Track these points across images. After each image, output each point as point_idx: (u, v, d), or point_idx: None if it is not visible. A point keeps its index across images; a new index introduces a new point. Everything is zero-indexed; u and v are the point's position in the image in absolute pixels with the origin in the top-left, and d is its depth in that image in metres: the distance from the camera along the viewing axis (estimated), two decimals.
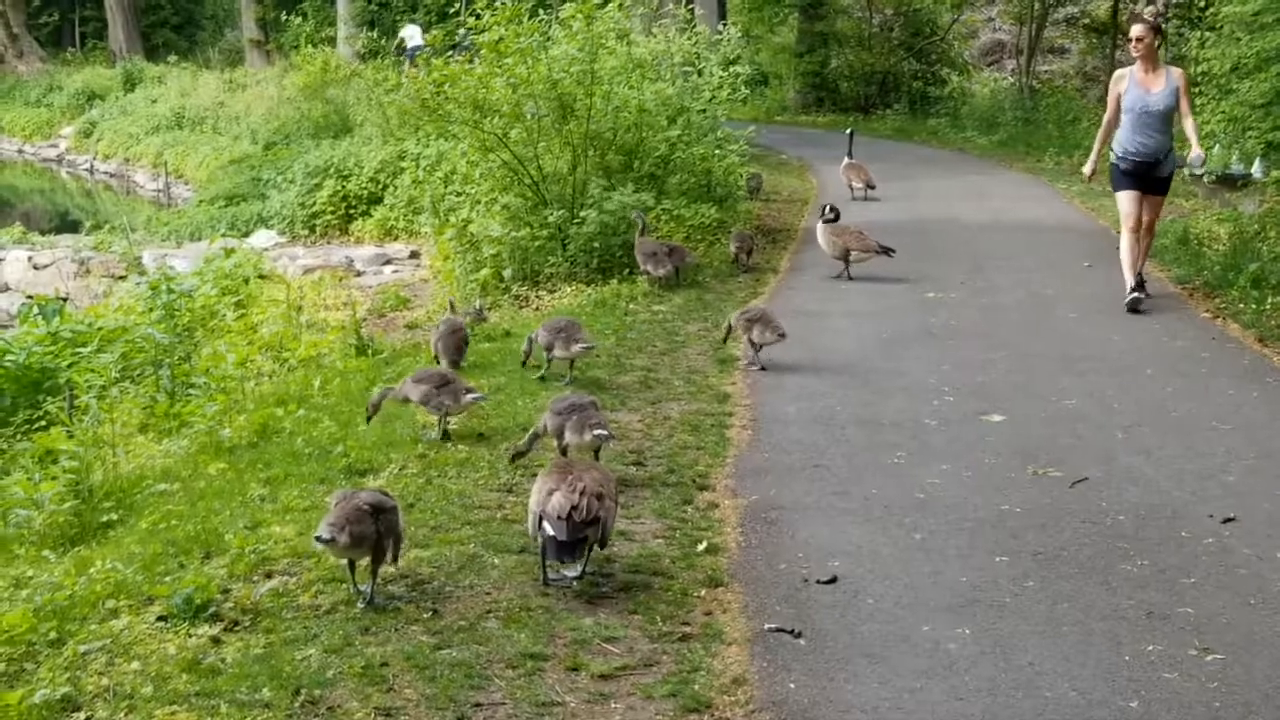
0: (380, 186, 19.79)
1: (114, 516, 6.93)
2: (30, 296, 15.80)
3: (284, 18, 31.17)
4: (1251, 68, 14.79)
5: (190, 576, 5.13)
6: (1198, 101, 15.03)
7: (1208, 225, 13.72)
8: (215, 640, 4.69)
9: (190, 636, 4.72)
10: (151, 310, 12.42)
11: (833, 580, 5.27)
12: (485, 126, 12.93)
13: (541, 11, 14.12)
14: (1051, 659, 4.60)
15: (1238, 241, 12.29)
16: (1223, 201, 15.16)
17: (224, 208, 21.37)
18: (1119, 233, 10.80)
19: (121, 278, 16.96)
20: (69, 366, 10.74)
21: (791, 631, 4.81)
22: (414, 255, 17.90)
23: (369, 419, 7.33)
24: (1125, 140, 10.31)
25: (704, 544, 5.64)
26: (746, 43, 25.30)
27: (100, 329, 11.89)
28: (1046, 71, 30.87)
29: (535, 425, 6.48)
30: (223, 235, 18.82)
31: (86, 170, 33.28)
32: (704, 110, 15.35)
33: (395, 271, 17.21)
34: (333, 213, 19.90)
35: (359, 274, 17.04)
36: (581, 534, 4.93)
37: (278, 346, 11.65)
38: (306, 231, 19.97)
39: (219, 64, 37.33)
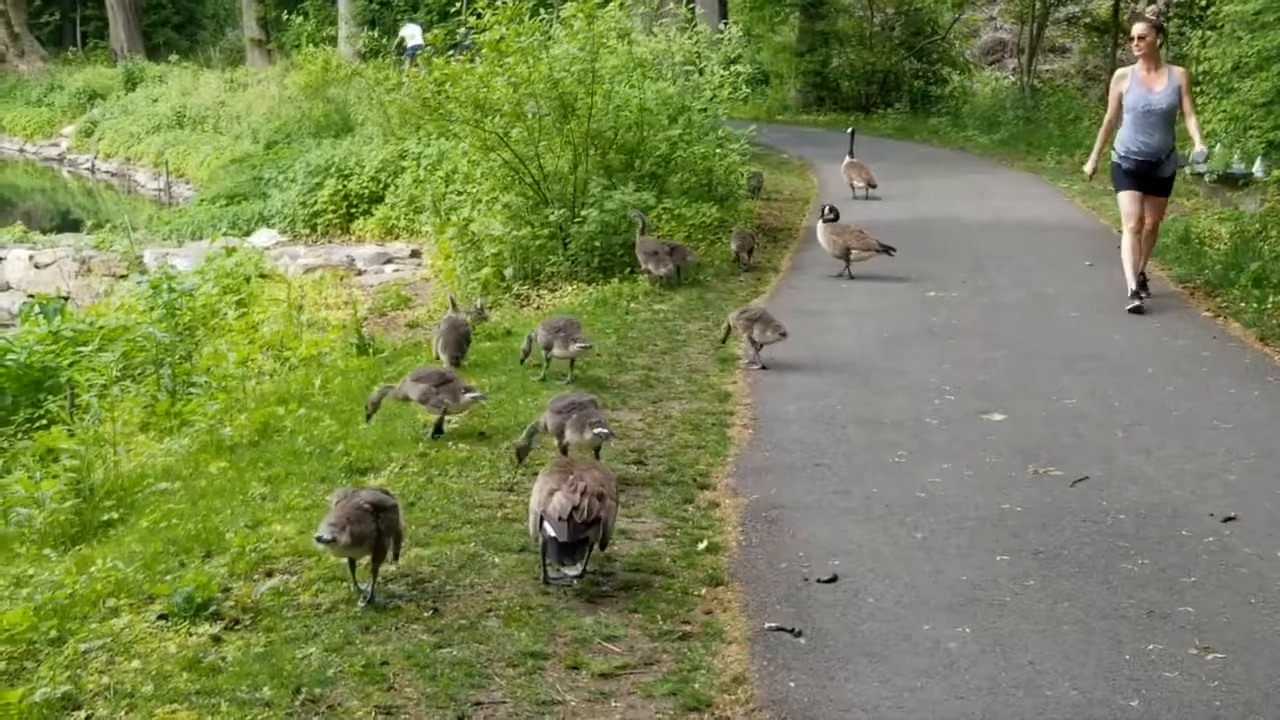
0: (381, 185, 19.79)
1: (115, 515, 6.94)
2: (31, 295, 15.80)
3: (285, 17, 31.22)
4: (1253, 67, 14.78)
5: (191, 575, 5.14)
6: (1199, 101, 15.02)
7: (1209, 224, 13.71)
8: (216, 639, 4.69)
9: (191, 635, 4.72)
10: (153, 309, 12.43)
11: (833, 579, 5.27)
12: (486, 126, 12.93)
13: (542, 11, 14.12)
14: (1052, 658, 4.60)
15: (1239, 240, 12.29)
16: (1224, 200, 15.15)
17: (225, 207, 21.37)
18: (1120, 232, 10.80)
19: (123, 277, 16.96)
20: (70, 365, 10.74)
21: (792, 630, 4.81)
22: (415, 254, 17.90)
23: (369, 417, 7.33)
24: (1127, 139, 10.29)
25: (704, 543, 5.64)
26: (747, 42, 25.30)
27: (101, 328, 11.89)
28: (1048, 70, 30.87)
29: (533, 421, 6.49)
30: (224, 234, 18.83)
31: (88, 169, 33.29)
32: (705, 109, 15.35)
33: (396, 270, 17.21)
34: (334, 212, 19.91)
35: (360, 273, 17.04)
36: (582, 535, 4.93)
37: (279, 345, 11.66)
38: (308, 230, 19.98)
39: (220, 63, 37.34)
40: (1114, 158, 10.51)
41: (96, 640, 4.69)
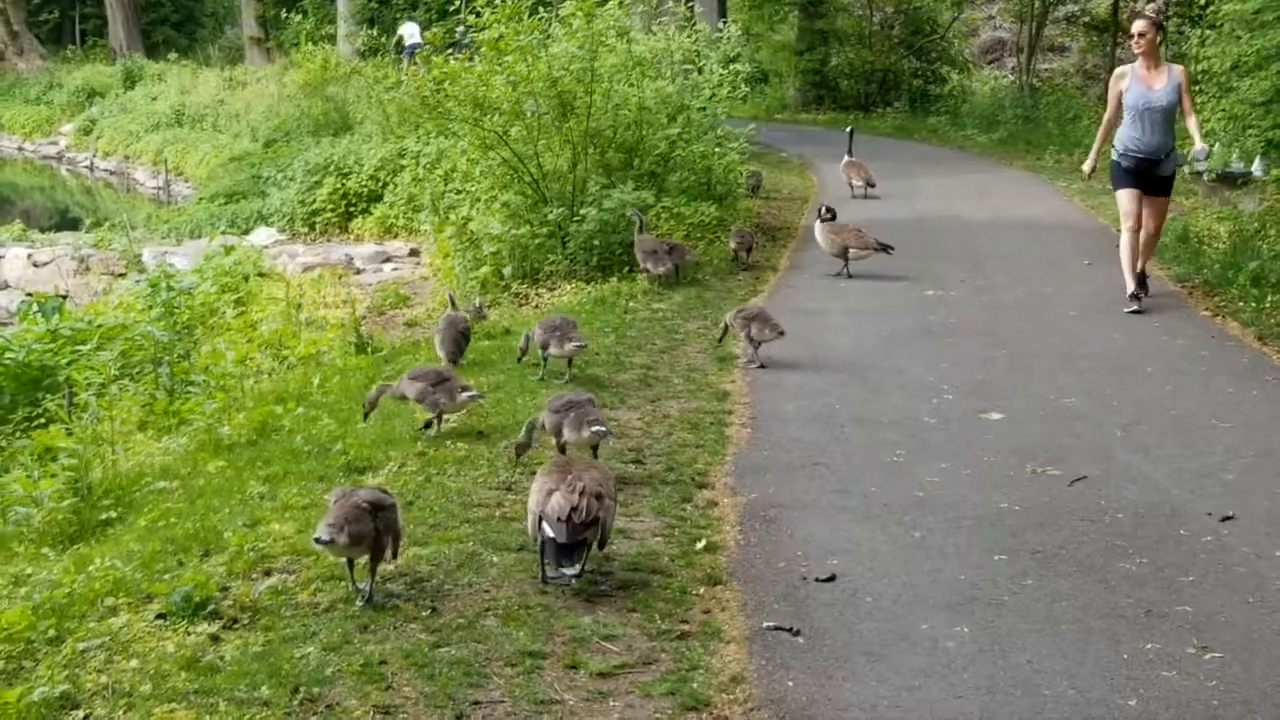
0: (380, 184, 19.77)
1: (113, 514, 6.93)
2: (30, 294, 15.81)
3: (284, 15, 31.16)
4: (1252, 66, 14.78)
5: (189, 574, 5.14)
6: (1198, 100, 15.01)
7: (1208, 223, 13.72)
8: (214, 638, 4.69)
9: (189, 634, 4.72)
10: (151, 308, 12.42)
11: (831, 578, 5.27)
12: (485, 124, 12.93)
13: (541, 9, 14.11)
14: (1050, 657, 4.60)
15: (1237, 240, 12.29)
16: (1223, 200, 15.16)
17: (224, 205, 21.35)
18: (1119, 231, 10.79)
19: (121, 275, 16.96)
20: (68, 364, 10.74)
21: (790, 630, 4.81)
22: (414, 253, 17.90)
23: (366, 416, 7.34)
24: (1126, 138, 10.28)
25: (703, 542, 5.64)
26: (746, 40, 25.26)
27: (100, 326, 11.89)
28: (1047, 69, 30.87)
29: (532, 417, 6.49)
30: (222, 233, 18.82)
31: (86, 168, 33.27)
32: (704, 108, 15.34)
33: (395, 269, 17.21)
34: (332, 210, 19.90)
35: (358, 272, 17.04)
36: (581, 535, 4.93)
37: (277, 344, 11.66)
38: (306, 229, 19.96)
39: (219, 61, 37.30)
40: (1113, 155, 10.49)
41: (95, 639, 4.69)
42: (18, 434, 9.58)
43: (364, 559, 4.94)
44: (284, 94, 27.70)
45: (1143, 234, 10.44)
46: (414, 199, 18.09)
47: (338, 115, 24.49)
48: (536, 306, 11.85)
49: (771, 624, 4.85)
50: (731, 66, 16.59)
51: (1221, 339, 9.54)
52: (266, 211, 20.54)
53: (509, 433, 7.06)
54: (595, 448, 6.25)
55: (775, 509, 6.10)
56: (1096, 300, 10.72)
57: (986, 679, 4.45)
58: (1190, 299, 10.92)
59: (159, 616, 4.86)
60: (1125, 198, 10.39)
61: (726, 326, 9.04)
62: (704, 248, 13.21)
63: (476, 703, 4.21)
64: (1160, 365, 8.75)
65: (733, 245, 12.76)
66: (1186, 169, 14.58)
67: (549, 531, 4.92)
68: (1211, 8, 17.05)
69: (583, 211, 12.34)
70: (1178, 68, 10.46)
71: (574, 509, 4.90)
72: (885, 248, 11.88)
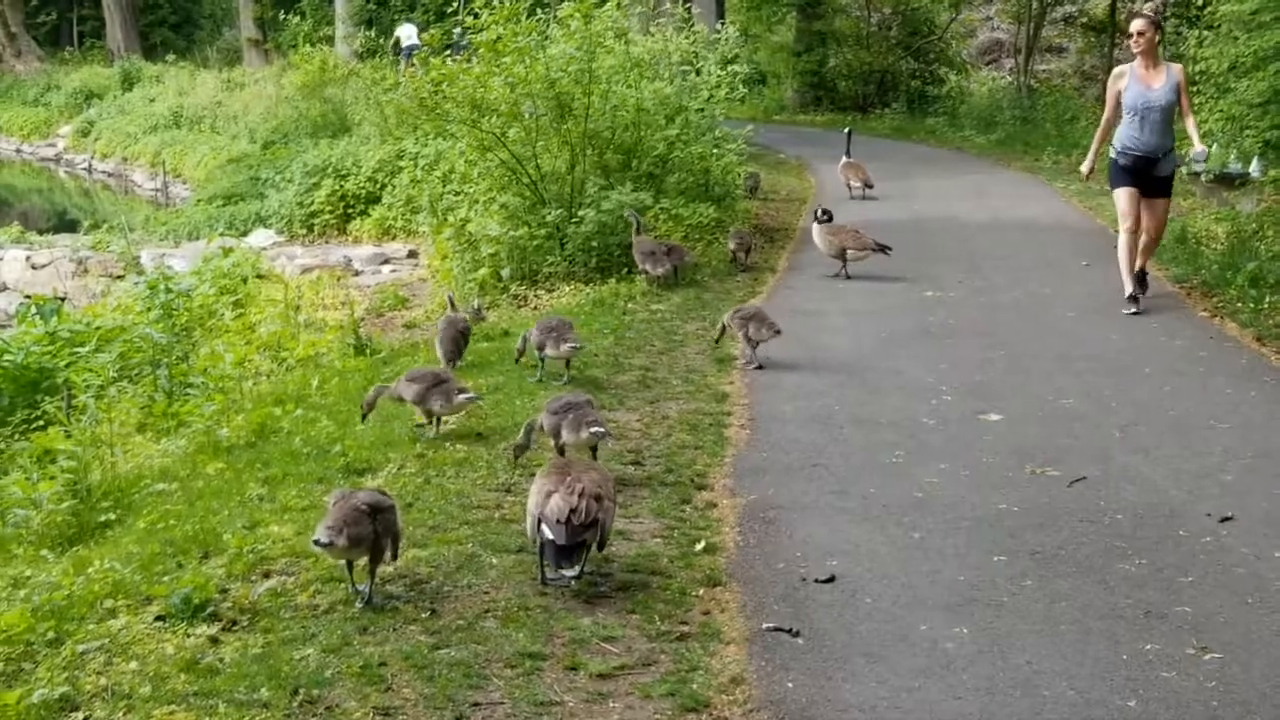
0: (378, 186, 19.77)
1: (112, 516, 6.93)
2: (28, 296, 15.79)
3: (282, 17, 31.22)
4: (1249, 66, 14.80)
5: (188, 576, 5.13)
6: (1196, 100, 15.04)
7: (1205, 224, 13.72)
8: (213, 640, 4.69)
9: (188, 636, 4.72)
10: (149, 310, 12.42)
11: (831, 579, 5.27)
12: (483, 126, 12.93)
13: (539, 11, 14.12)
14: (1049, 658, 4.60)
15: (1235, 240, 12.30)
16: (1220, 200, 15.17)
17: (222, 207, 21.35)
18: (1117, 232, 10.79)
19: (119, 277, 16.95)
20: (67, 366, 10.74)
21: (790, 631, 4.81)
22: (412, 255, 17.89)
23: (364, 417, 7.34)
24: (1125, 137, 10.25)
25: (702, 543, 5.64)
26: (744, 42, 25.24)
27: (98, 328, 11.88)
28: (1044, 70, 30.88)
29: (530, 419, 6.50)
30: (221, 235, 18.82)
31: (84, 169, 33.27)
32: (702, 109, 15.34)
33: (393, 271, 17.20)
34: (331, 212, 19.89)
35: (357, 273, 17.03)
36: (580, 537, 4.93)
37: (276, 346, 11.66)
38: (304, 231, 19.95)
39: (217, 63, 37.31)
40: (1111, 154, 10.47)
41: (94, 641, 4.69)
42: (16, 436, 9.58)
43: (363, 561, 4.94)
44: (282, 96, 27.71)
45: (1143, 236, 10.43)
46: (412, 200, 18.10)
47: (336, 117, 24.49)
48: (535, 308, 11.84)
49: (771, 625, 4.85)
50: (729, 68, 16.60)
51: (1220, 340, 9.54)
52: (265, 213, 20.53)
53: (508, 434, 7.06)
54: (594, 449, 6.25)
55: (774, 510, 6.10)
56: (1095, 301, 10.73)
57: (986, 680, 4.45)
58: (1188, 300, 10.93)
59: (158, 618, 4.86)
60: (1123, 198, 10.38)
61: (724, 327, 9.04)
62: (702, 249, 13.21)
63: (476, 704, 4.22)
64: (1159, 366, 8.75)
65: (731, 246, 12.77)
66: (1184, 170, 14.59)
67: (548, 533, 4.92)
68: (1209, 8, 17.08)
69: (581, 213, 12.34)
70: (1176, 66, 10.45)
71: (573, 511, 4.90)
72: (883, 248, 11.89)
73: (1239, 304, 10.32)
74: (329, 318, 13.33)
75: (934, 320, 10.27)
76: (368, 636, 4.69)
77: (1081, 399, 7.99)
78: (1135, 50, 10.30)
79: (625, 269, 12.09)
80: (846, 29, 31.84)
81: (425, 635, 4.71)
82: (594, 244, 12.30)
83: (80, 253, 18.18)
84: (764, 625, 4.85)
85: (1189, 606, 5.02)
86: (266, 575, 5.29)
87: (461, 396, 7.02)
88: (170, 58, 37.98)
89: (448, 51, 13.51)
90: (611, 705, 4.25)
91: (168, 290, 12.36)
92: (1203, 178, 15.75)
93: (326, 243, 19.47)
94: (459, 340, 8.73)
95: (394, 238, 19.00)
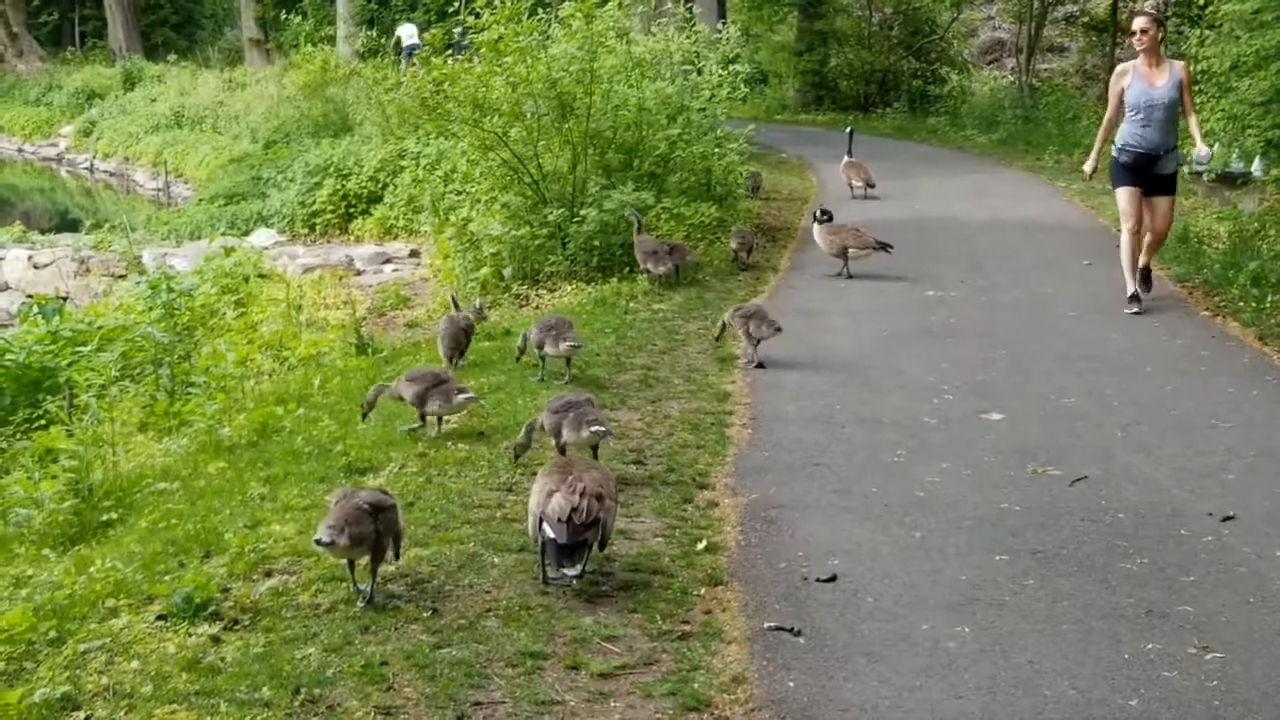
0: (380, 185, 19.78)
1: (114, 515, 6.94)
2: (30, 295, 15.79)
3: (283, 17, 31.18)
4: (1251, 66, 14.79)
5: (190, 575, 5.14)
6: (1198, 100, 15.03)
7: (1207, 223, 13.72)
8: (215, 639, 4.69)
9: (190, 635, 4.72)
10: (151, 309, 12.43)
11: (832, 579, 5.27)
12: (485, 125, 12.93)
13: (541, 10, 14.12)
14: (1051, 657, 4.60)
15: (1237, 240, 12.30)
16: (1222, 200, 15.16)
17: (224, 206, 21.36)
18: (1119, 231, 10.78)
19: (121, 277, 16.97)
20: (69, 365, 10.74)
21: (791, 630, 4.81)
22: (414, 254, 17.90)
23: (364, 416, 7.35)
24: (1127, 134, 10.22)
25: (704, 542, 5.64)
26: (746, 41, 25.28)
27: (100, 328, 11.89)
28: (1046, 70, 30.87)
29: (531, 418, 6.50)
30: (222, 234, 18.82)
31: (86, 169, 33.28)
32: (704, 109, 15.34)
33: (395, 270, 17.21)
34: (332, 211, 19.90)
35: (359, 273, 17.04)
36: (582, 536, 4.93)
37: (277, 345, 11.66)
38: (306, 230, 19.97)
39: (218, 63, 37.31)
40: (1112, 151, 10.43)
41: (96, 641, 4.69)
42: (18, 436, 9.58)
43: (365, 560, 4.94)
44: (283, 95, 27.70)
45: (1148, 235, 10.41)
46: (414, 200, 18.11)
47: (337, 116, 24.50)
48: (537, 307, 11.85)
49: (772, 624, 4.85)
50: (731, 67, 16.61)
51: (1221, 339, 9.54)
52: (266, 213, 20.54)
53: (509, 434, 7.06)
54: (595, 448, 6.25)
55: (776, 509, 6.10)
56: (1096, 301, 10.72)
57: (987, 679, 4.45)
58: (1190, 299, 10.92)
59: (160, 618, 4.86)
60: (1124, 197, 10.35)
61: (724, 325, 9.05)
62: (704, 248, 13.21)
63: (478, 703, 4.22)
64: (1160, 365, 8.75)
65: (733, 246, 12.77)
66: (1186, 169, 14.59)
67: (549, 532, 4.92)
68: (1210, 8, 17.06)
69: (583, 212, 12.34)
70: (1179, 64, 10.41)
71: (574, 510, 4.90)
72: (884, 246, 11.89)
73: (1241, 303, 10.31)
74: (331, 317, 13.34)
75: (935, 319, 10.27)
76: (369, 636, 4.70)
77: (1083, 398, 7.99)
78: (1139, 48, 10.26)
79: (627, 268, 12.09)
80: (848, 28, 31.83)
81: (427, 634, 4.71)
82: (596, 243, 12.30)
83: (82, 252, 18.19)
84: (765, 624, 4.85)
85: (1191, 606, 5.02)
86: (268, 574, 5.29)
87: (461, 397, 7.02)
88: (172, 57, 37.99)
89: (449, 51, 13.50)
90: (613, 704, 4.25)
91: (170, 289, 12.37)
92: (1204, 177, 15.73)
93: (328, 242, 19.48)
94: (460, 338, 8.74)
95: (396, 237, 19.01)
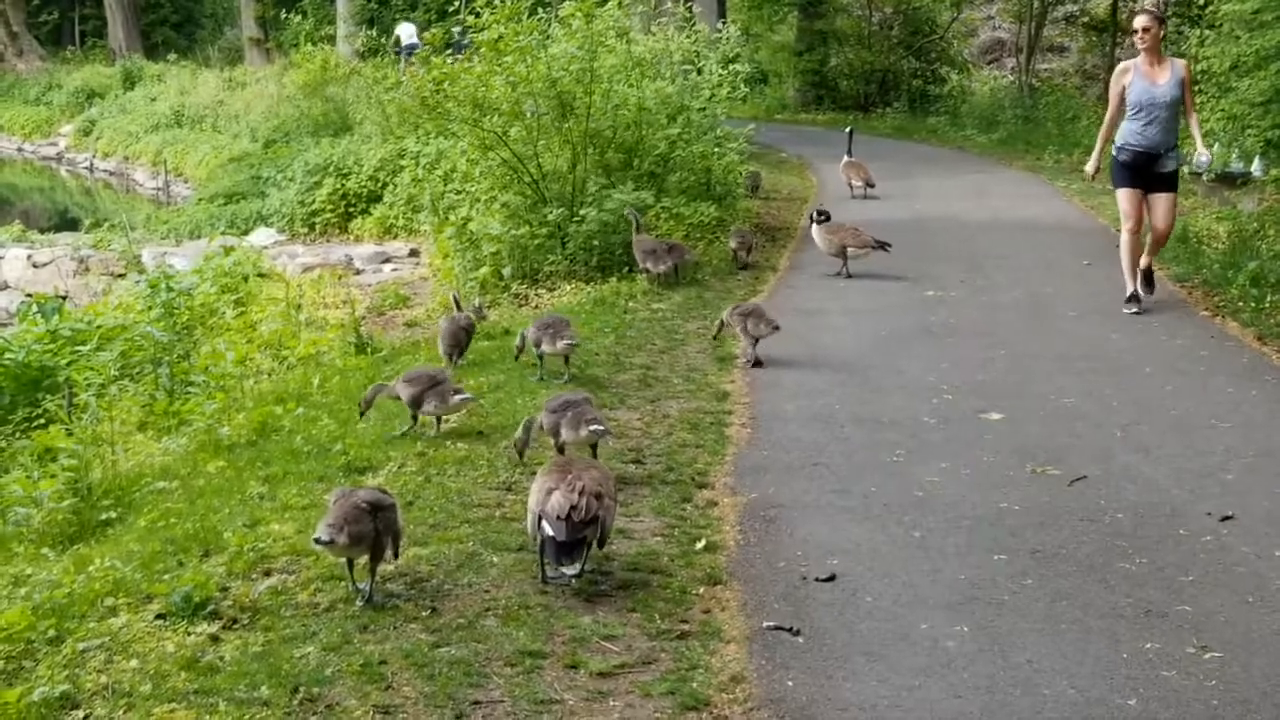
0: (380, 185, 19.78)
1: (113, 514, 6.93)
2: (29, 294, 15.80)
3: (283, 16, 31.19)
4: (1251, 66, 14.80)
5: (189, 574, 5.14)
6: (1198, 100, 15.03)
7: (1207, 223, 13.72)
8: (214, 638, 4.69)
9: (189, 634, 4.72)
10: (151, 308, 12.42)
11: (831, 578, 5.27)
12: (485, 125, 12.93)
13: (541, 10, 14.12)
14: (1050, 657, 4.60)
15: (1237, 240, 12.30)
16: (1222, 199, 15.16)
17: (223, 206, 21.36)
18: (1119, 231, 10.77)
19: (121, 276, 16.97)
20: (68, 364, 10.74)
21: (790, 629, 4.81)
22: (413, 253, 17.90)
23: (362, 414, 7.34)
24: (1127, 133, 10.19)
25: (703, 542, 5.64)
26: (746, 41, 25.28)
27: (99, 327, 11.89)
28: (1046, 70, 30.87)
29: (529, 417, 6.50)
30: (222, 233, 18.82)
31: (86, 168, 33.28)
32: (703, 108, 15.35)
33: (394, 270, 17.21)
34: (332, 211, 19.90)
35: (358, 272, 17.04)
36: (581, 534, 4.93)
37: (277, 345, 11.66)
38: (306, 230, 19.96)
39: (218, 62, 37.33)
40: (1113, 150, 10.41)
41: (94, 639, 4.69)
42: (18, 434, 9.58)
43: (364, 559, 4.94)
44: (283, 95, 27.71)
45: (1150, 234, 10.39)
46: (413, 199, 18.10)
47: (337, 116, 24.50)
48: (536, 307, 11.84)
49: (771, 624, 4.85)
50: (731, 67, 16.61)
51: (1221, 339, 9.54)
52: (266, 212, 20.54)
53: (509, 433, 7.05)
54: (594, 447, 6.25)
55: (775, 509, 6.10)
56: (1096, 301, 10.72)
57: (986, 679, 4.45)
58: (1189, 299, 10.92)
59: (159, 617, 4.86)
60: (1124, 198, 10.33)
61: (723, 323, 9.05)
62: (703, 248, 13.21)
63: (476, 702, 4.22)
64: (1160, 365, 8.75)
65: (732, 245, 12.77)
66: (1186, 169, 14.58)
67: (549, 530, 4.92)
68: (1210, 8, 17.07)
69: (582, 212, 12.34)
70: (1180, 62, 10.39)
71: (574, 508, 4.90)
72: (883, 245, 11.89)
73: (1240, 303, 10.31)
74: (330, 316, 13.33)
75: (935, 319, 10.26)
76: (368, 635, 4.69)
77: (1082, 398, 7.99)
78: (1140, 46, 10.23)
79: (626, 268, 12.09)
80: (848, 28, 31.84)
81: (426, 633, 4.71)
82: (595, 243, 12.30)
83: (81, 251, 18.19)
84: (764, 624, 4.85)
85: (1189, 605, 5.02)
86: (267, 573, 5.29)
87: (457, 398, 7.02)
88: (172, 57, 38.00)
89: (449, 51, 13.50)
90: (612, 704, 4.25)
91: (169, 289, 12.37)
92: (1204, 177, 15.74)
93: (328, 241, 19.47)
94: (460, 337, 8.75)
95: (395, 236, 19.01)
